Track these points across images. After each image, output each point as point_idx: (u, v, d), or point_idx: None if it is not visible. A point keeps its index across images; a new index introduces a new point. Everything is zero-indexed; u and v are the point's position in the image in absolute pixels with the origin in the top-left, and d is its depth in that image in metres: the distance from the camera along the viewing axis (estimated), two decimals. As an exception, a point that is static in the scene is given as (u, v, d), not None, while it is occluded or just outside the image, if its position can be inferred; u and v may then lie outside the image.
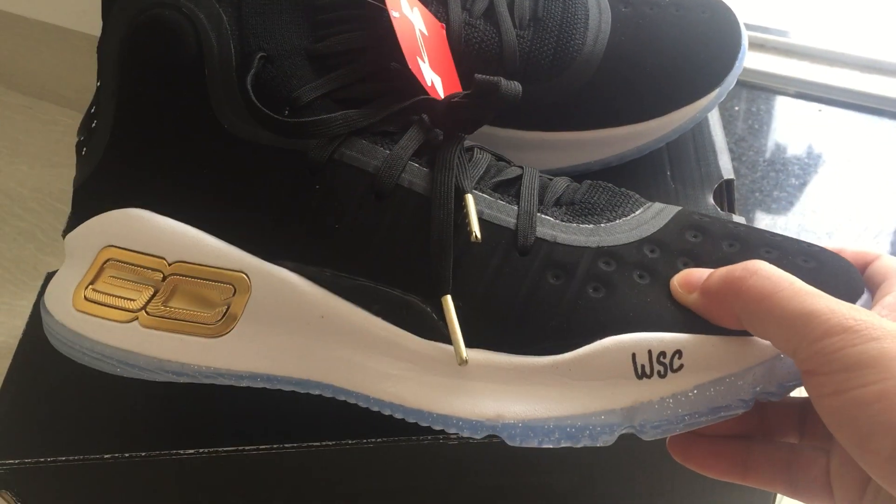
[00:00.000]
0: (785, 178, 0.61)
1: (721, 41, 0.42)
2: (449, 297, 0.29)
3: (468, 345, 0.29)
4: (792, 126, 0.65)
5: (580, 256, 0.30)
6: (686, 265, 0.29)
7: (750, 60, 0.60)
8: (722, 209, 0.44)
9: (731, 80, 0.42)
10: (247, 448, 0.37)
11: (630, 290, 0.29)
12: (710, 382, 0.28)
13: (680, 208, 0.32)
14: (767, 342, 0.27)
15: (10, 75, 0.96)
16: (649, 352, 0.28)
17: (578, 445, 0.28)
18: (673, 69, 0.41)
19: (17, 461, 0.38)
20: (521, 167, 0.34)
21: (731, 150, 0.52)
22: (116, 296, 0.34)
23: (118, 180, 0.34)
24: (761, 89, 0.67)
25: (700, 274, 0.28)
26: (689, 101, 0.42)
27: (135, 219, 0.33)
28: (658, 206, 0.32)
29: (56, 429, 0.39)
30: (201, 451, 0.37)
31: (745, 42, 0.43)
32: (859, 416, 0.23)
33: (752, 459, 0.30)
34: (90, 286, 0.34)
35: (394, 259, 0.31)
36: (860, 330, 0.23)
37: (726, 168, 0.45)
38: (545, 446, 0.29)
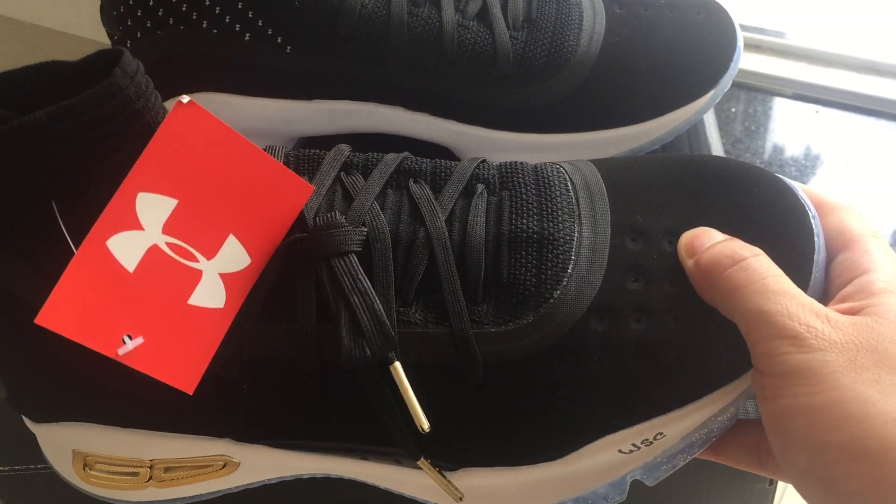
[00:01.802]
0: (783, 180, 0.61)
1: (716, 42, 0.42)
2: (398, 365, 0.28)
3: (459, 466, 0.30)
4: (789, 128, 0.65)
5: (533, 365, 0.28)
6: (640, 321, 0.28)
7: (746, 62, 0.60)
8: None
9: (726, 82, 0.42)
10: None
11: (595, 385, 0.28)
12: (694, 431, 0.29)
13: (609, 225, 0.29)
14: (736, 382, 0.28)
15: None
16: (633, 443, 0.29)
17: None
18: (668, 70, 0.41)
19: (6, 468, 0.38)
20: (421, 228, 0.29)
21: (727, 152, 0.52)
22: (117, 476, 0.33)
23: (60, 395, 0.31)
24: (758, 91, 0.67)
25: (705, 238, 0.28)
26: (684, 102, 0.41)
27: (95, 434, 0.32)
28: (586, 242, 0.29)
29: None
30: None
31: (740, 43, 0.42)
32: (785, 425, 0.24)
33: (722, 439, 0.30)
34: (86, 470, 0.34)
35: (354, 426, 0.30)
36: (808, 338, 0.23)
37: (722, 170, 0.45)
38: None
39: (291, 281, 0.28)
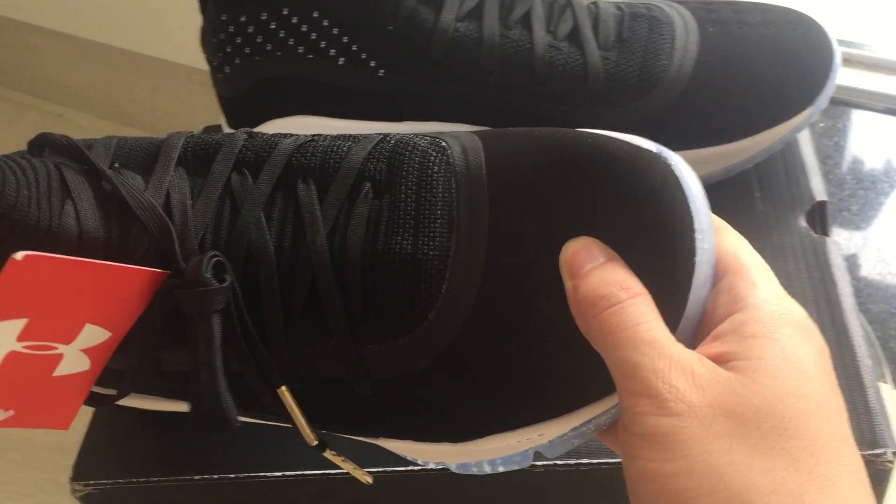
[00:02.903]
0: (874, 195, 0.59)
1: (812, 59, 0.41)
2: (285, 389, 0.29)
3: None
4: (880, 142, 0.63)
5: (415, 380, 0.29)
6: (511, 342, 0.27)
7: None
8: (815, 232, 0.43)
9: (823, 100, 0.41)
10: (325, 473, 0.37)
11: (472, 398, 0.29)
12: (576, 428, 0.28)
13: (486, 237, 0.28)
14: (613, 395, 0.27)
15: (93, 101, 1.00)
16: (518, 440, 0.29)
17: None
18: (763, 88, 0.40)
19: (106, 481, 0.39)
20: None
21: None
22: None
23: None
24: (846, 105, 0.66)
25: (585, 258, 0.26)
26: (779, 120, 0.41)
27: None
28: (461, 259, 0.28)
29: (141, 450, 0.40)
30: (285, 473, 0.38)
31: (837, 60, 0.42)
32: (637, 488, 0.23)
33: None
34: None
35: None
36: (668, 400, 0.22)
37: (818, 189, 0.44)
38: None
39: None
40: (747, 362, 0.23)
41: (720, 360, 0.23)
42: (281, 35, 0.41)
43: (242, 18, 0.40)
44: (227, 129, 0.47)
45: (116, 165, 0.29)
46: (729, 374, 0.23)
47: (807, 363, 0.23)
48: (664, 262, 0.26)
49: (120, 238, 0.28)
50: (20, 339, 0.25)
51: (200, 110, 0.82)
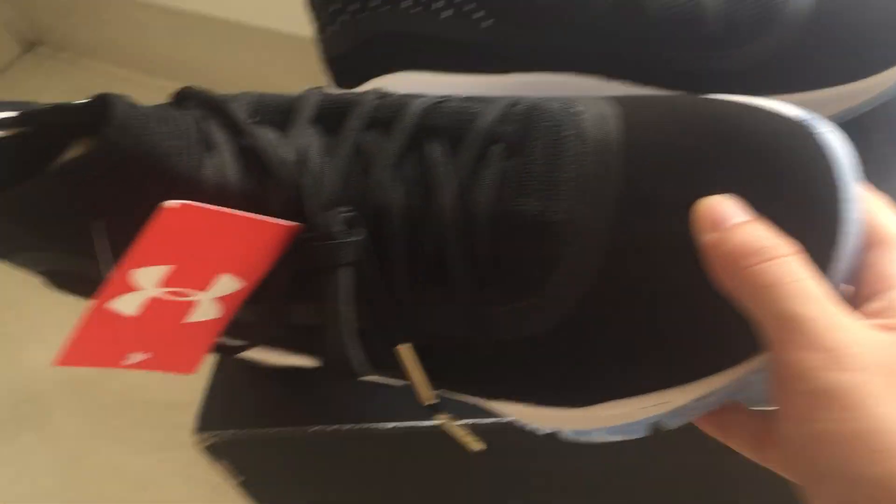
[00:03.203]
0: None
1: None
2: (407, 346, 0.30)
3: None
4: None
5: (538, 343, 0.29)
6: (641, 306, 0.27)
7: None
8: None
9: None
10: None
11: (598, 363, 0.28)
12: (701, 397, 0.28)
13: (616, 199, 0.27)
14: (746, 363, 0.26)
15: (197, 73, 1.03)
16: (641, 407, 0.29)
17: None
18: (890, 23, 0.38)
19: (232, 432, 0.41)
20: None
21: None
22: None
23: None
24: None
25: (727, 212, 0.25)
26: (908, 56, 0.39)
27: None
28: (589, 222, 0.27)
29: (263, 401, 0.41)
30: (400, 425, 0.39)
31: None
32: (815, 453, 0.21)
33: (727, 423, 0.29)
34: None
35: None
36: (845, 355, 0.21)
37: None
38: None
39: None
40: None
41: (883, 330, 0.23)
42: (386, -11, 0.41)
43: (348, -25, 0.41)
44: (332, 88, 0.47)
45: (255, 120, 0.30)
46: None
47: None
48: (809, 233, 0.25)
49: (256, 191, 0.28)
50: (161, 284, 0.27)
51: (303, 78, 0.83)
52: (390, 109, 0.30)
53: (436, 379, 0.31)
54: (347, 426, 0.39)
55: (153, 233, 0.25)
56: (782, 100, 0.40)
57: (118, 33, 1.06)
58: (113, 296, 0.26)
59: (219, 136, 0.28)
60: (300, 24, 0.46)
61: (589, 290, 0.27)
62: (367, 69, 0.44)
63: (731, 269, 0.24)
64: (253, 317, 0.31)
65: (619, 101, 0.30)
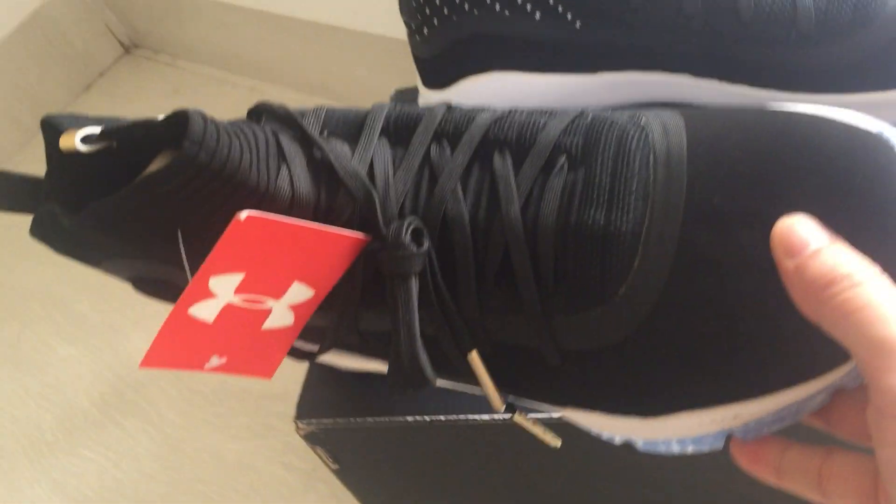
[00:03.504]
0: None
1: None
2: (475, 353, 0.30)
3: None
4: None
5: (606, 355, 0.28)
6: (712, 320, 0.26)
7: None
8: None
9: None
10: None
11: (669, 375, 0.28)
12: (778, 410, 0.28)
13: (682, 211, 0.27)
14: (828, 374, 0.26)
15: (284, 73, 1.05)
16: (712, 419, 0.28)
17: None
18: None
19: (330, 420, 0.42)
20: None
21: None
22: None
23: None
24: None
25: (806, 236, 0.24)
26: None
27: None
28: (655, 234, 0.27)
29: (360, 392, 0.42)
30: (496, 417, 0.39)
31: None
32: None
33: (785, 463, 0.28)
34: None
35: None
36: None
37: None
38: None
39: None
40: None
41: None
42: (479, -7, 0.42)
43: (441, -20, 0.42)
44: (421, 89, 0.48)
45: (325, 134, 0.31)
46: None
47: None
48: (886, 248, 0.24)
49: (327, 202, 0.29)
50: (237, 291, 0.28)
51: (387, 76, 0.84)
52: (457, 123, 0.31)
53: (505, 386, 0.31)
54: (445, 417, 0.40)
55: (227, 242, 0.26)
56: (879, 98, 0.40)
57: (211, 35, 1.09)
58: (192, 302, 0.27)
59: (291, 148, 0.29)
60: (387, 25, 0.47)
61: (657, 302, 0.27)
62: (458, 71, 0.45)
63: (813, 297, 0.24)
64: (326, 323, 0.32)
65: (683, 113, 0.30)
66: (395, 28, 0.47)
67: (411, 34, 0.46)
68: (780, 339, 0.26)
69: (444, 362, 0.31)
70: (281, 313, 0.30)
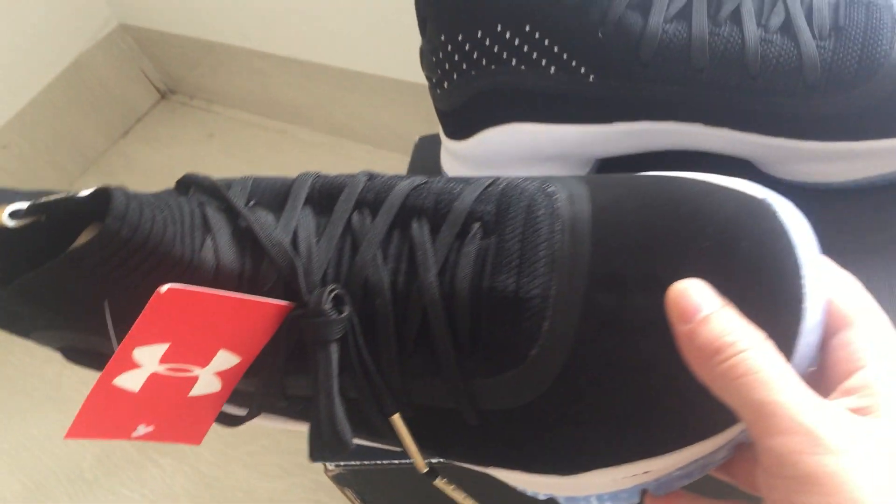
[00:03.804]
0: None
1: None
2: (397, 416, 0.31)
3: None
4: None
5: (520, 415, 0.29)
6: (614, 379, 0.28)
7: None
8: None
9: None
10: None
11: (577, 433, 0.29)
12: (684, 466, 0.29)
13: (586, 276, 0.28)
14: (724, 433, 0.27)
15: (313, 117, 1.08)
16: (623, 476, 0.29)
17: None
18: None
19: (357, 462, 0.43)
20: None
21: None
22: None
23: None
24: None
25: (697, 300, 0.25)
26: None
27: None
28: (562, 298, 0.28)
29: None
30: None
31: None
32: None
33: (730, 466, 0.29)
34: None
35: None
36: (823, 438, 0.21)
37: None
38: None
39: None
40: (891, 411, 0.23)
41: (858, 413, 0.23)
42: (495, 50, 0.43)
43: (460, 37, 0.43)
44: (444, 139, 0.50)
45: (252, 203, 0.32)
46: (877, 420, 0.23)
47: None
48: (772, 313, 0.25)
49: (252, 271, 0.30)
50: (162, 361, 0.28)
51: (411, 119, 0.86)
52: (378, 191, 0.32)
53: (430, 447, 0.32)
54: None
55: (150, 314, 0.26)
56: (887, 145, 0.41)
57: (243, 81, 1.12)
58: (117, 373, 0.27)
59: (217, 219, 0.30)
60: (411, 71, 0.49)
61: (565, 363, 0.28)
62: (478, 122, 0.47)
63: (703, 363, 0.25)
64: (254, 388, 0.32)
65: (588, 181, 0.31)
66: (420, 74, 0.49)
67: (432, 87, 0.48)
68: (682, 397, 0.27)
69: (368, 425, 0.31)
70: (207, 381, 0.31)
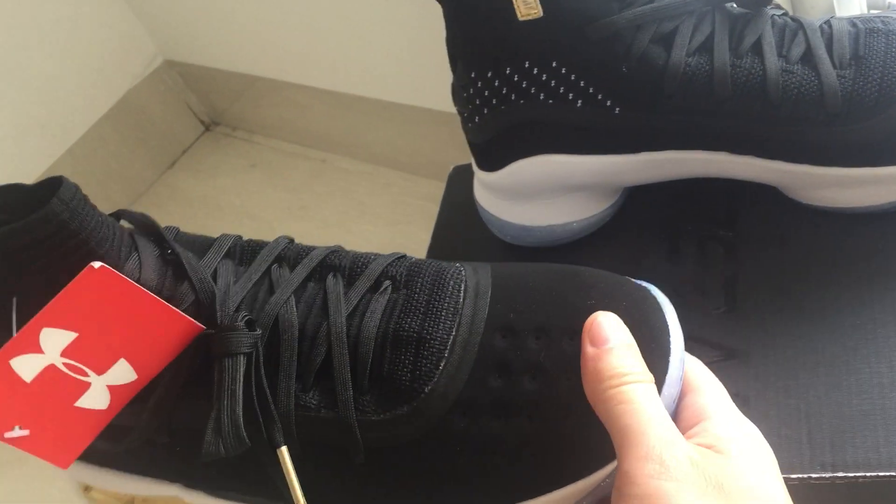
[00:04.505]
0: None
1: None
2: (285, 449, 0.31)
3: None
4: None
5: (406, 452, 0.31)
6: (499, 417, 0.30)
7: None
8: None
9: None
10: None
11: (456, 473, 0.31)
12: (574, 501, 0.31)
13: (483, 323, 0.32)
14: (595, 475, 0.30)
15: (352, 146, 1.10)
16: None
17: None
18: None
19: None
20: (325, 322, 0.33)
21: None
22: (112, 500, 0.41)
23: None
24: None
25: (610, 330, 0.29)
26: None
27: (91, 471, 0.38)
28: (460, 341, 0.32)
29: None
30: None
31: None
32: None
33: None
34: (88, 493, 0.42)
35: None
36: (670, 467, 0.25)
37: None
38: None
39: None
40: (726, 451, 0.27)
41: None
42: (524, 85, 0.45)
43: (489, 74, 0.45)
44: (476, 170, 0.52)
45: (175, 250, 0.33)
46: (716, 455, 0.27)
47: (768, 459, 0.28)
48: (648, 356, 0.30)
49: (170, 291, 0.32)
50: (64, 353, 0.28)
51: (447, 147, 0.88)
52: (298, 252, 0.35)
53: (311, 485, 0.32)
54: None
55: (73, 291, 0.27)
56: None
57: (284, 112, 1.14)
58: (17, 352, 0.27)
59: (144, 243, 0.32)
60: (445, 101, 0.51)
61: (455, 401, 0.31)
62: (509, 154, 0.48)
63: (597, 385, 0.28)
64: (134, 422, 0.33)
65: (491, 264, 0.35)
66: (453, 104, 0.51)
67: (464, 121, 0.49)
68: (560, 439, 0.30)
69: (256, 455, 0.32)
70: (98, 392, 0.31)
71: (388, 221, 0.98)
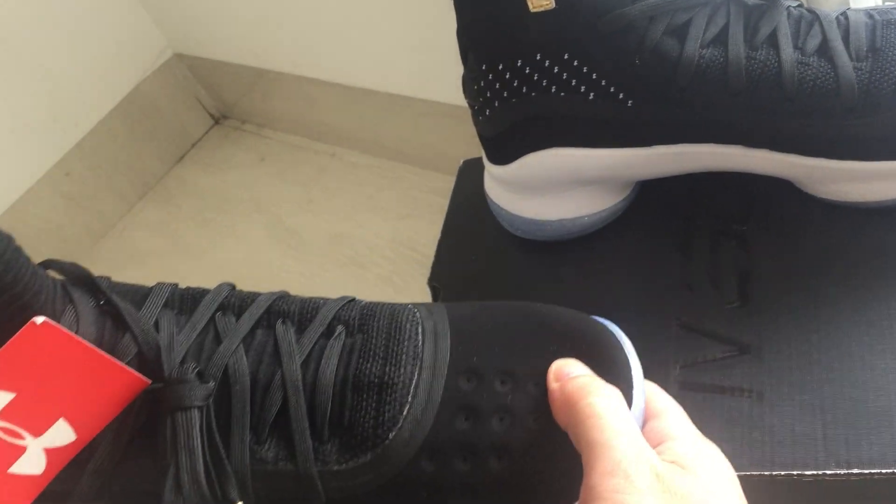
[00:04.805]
0: None
1: None
2: None
3: None
4: None
5: (370, 501, 0.30)
6: (466, 461, 0.30)
7: None
8: None
9: None
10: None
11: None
12: None
13: (447, 366, 0.31)
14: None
15: (361, 139, 1.10)
16: None
17: None
18: None
19: None
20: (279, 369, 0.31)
21: None
22: None
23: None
24: None
25: (574, 369, 0.30)
26: None
27: None
28: (423, 385, 0.31)
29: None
30: None
31: None
32: None
33: None
34: None
35: None
36: (635, 481, 0.26)
37: None
38: None
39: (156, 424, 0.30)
40: (690, 468, 0.28)
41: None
42: (535, 78, 0.44)
43: (500, 66, 0.45)
44: (487, 164, 0.51)
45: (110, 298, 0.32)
46: (679, 470, 0.27)
47: (731, 478, 0.29)
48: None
49: (110, 344, 0.30)
50: (1, 415, 0.27)
51: (457, 140, 0.88)
52: (242, 299, 0.33)
53: None
54: None
55: (15, 347, 0.25)
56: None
57: (293, 106, 1.15)
58: None
59: (78, 294, 0.30)
60: (456, 95, 0.50)
61: (420, 446, 0.30)
62: (520, 148, 0.48)
63: (566, 406, 0.29)
64: (72, 483, 0.31)
65: (445, 305, 0.35)
66: (463, 98, 0.50)
67: (474, 114, 0.49)
68: (528, 478, 0.29)
69: None
70: (34, 456, 0.29)
71: (398, 215, 0.98)
